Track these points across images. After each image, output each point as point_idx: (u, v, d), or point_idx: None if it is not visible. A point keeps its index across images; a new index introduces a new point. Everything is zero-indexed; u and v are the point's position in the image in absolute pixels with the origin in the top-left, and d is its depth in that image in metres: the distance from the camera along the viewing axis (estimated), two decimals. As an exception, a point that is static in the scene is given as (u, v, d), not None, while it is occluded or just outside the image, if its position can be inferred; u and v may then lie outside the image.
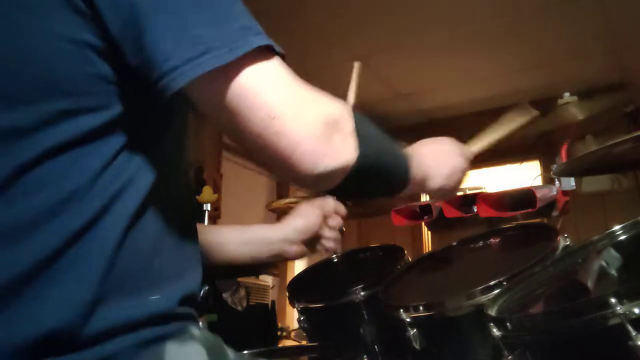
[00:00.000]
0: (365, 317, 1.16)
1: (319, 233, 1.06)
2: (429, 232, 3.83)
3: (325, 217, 1.07)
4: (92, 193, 0.54)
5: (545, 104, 1.88)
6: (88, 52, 0.53)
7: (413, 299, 1.02)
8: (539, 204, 1.52)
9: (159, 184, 0.59)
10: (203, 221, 2.15)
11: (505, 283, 0.88)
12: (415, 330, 0.96)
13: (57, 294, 0.52)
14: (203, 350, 0.60)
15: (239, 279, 2.71)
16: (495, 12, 2.77)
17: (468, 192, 1.75)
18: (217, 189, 3.25)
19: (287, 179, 0.66)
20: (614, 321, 0.59)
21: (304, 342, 1.57)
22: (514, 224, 1.42)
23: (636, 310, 0.58)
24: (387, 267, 1.26)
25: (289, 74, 0.58)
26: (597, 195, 3.43)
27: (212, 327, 1.82)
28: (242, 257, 1.01)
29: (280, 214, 3.27)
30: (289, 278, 1.63)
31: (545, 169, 3.44)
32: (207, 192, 2.22)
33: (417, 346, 0.96)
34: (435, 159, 0.84)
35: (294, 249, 1.04)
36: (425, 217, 1.76)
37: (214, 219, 3.08)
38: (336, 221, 1.08)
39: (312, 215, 1.06)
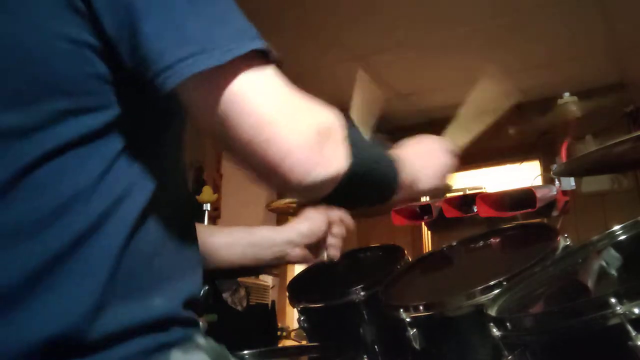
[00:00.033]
0: (365, 317, 1.16)
1: (322, 239, 1.06)
2: (429, 232, 3.82)
3: (330, 224, 1.06)
4: (95, 195, 0.54)
5: (545, 103, 1.89)
6: (87, 52, 0.53)
7: (413, 299, 1.02)
8: (539, 204, 1.52)
9: (160, 184, 0.59)
10: (203, 221, 2.16)
11: (505, 283, 0.88)
12: (415, 330, 0.96)
13: (61, 298, 0.51)
14: None
15: (239, 279, 2.71)
16: (495, 12, 2.77)
17: (468, 192, 1.75)
18: (217, 189, 3.25)
19: (275, 188, 0.66)
20: (614, 321, 0.60)
21: (304, 342, 1.57)
22: (514, 224, 1.42)
23: (636, 310, 0.58)
24: (387, 267, 1.26)
25: (283, 81, 0.57)
26: (597, 195, 3.42)
27: (212, 327, 1.83)
28: (247, 258, 1.02)
29: (280, 214, 3.28)
30: (289, 278, 1.63)
31: (545, 169, 3.43)
32: (207, 192, 2.22)
33: (417, 346, 0.96)
34: (421, 160, 0.83)
35: (297, 252, 1.04)
36: (425, 217, 1.76)
37: (214, 219, 3.08)
38: (341, 229, 1.08)
39: (318, 220, 1.05)
